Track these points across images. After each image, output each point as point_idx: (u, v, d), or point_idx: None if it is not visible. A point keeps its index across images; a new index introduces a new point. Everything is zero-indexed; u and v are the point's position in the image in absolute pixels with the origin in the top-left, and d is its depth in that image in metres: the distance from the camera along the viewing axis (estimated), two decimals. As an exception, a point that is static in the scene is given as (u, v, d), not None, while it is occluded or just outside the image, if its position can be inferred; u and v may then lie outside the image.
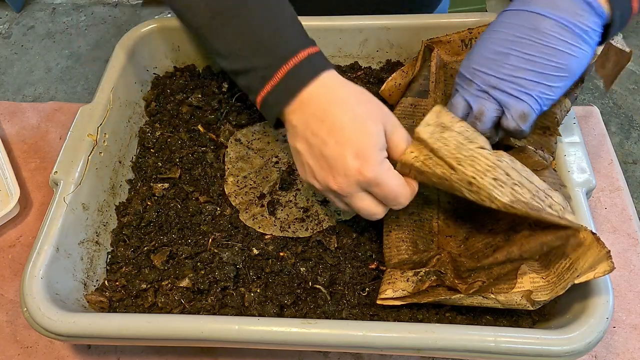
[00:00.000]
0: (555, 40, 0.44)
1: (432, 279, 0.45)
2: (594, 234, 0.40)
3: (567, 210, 0.42)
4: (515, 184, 0.42)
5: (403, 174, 0.45)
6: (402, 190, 0.43)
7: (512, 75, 0.45)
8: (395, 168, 0.44)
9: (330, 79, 0.45)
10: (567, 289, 0.40)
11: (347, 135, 0.42)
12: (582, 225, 0.41)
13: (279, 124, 0.48)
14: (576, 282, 0.39)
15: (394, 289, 0.45)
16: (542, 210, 0.41)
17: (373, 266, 0.49)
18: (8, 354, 0.50)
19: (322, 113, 0.43)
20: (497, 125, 0.48)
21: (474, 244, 0.48)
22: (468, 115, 0.48)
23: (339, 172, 0.42)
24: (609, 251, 0.39)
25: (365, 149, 0.42)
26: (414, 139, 0.44)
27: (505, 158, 0.42)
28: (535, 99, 0.45)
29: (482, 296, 0.43)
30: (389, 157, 0.44)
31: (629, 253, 0.53)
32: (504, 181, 0.41)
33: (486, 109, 0.46)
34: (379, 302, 0.46)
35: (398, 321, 0.45)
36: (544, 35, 0.44)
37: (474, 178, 0.41)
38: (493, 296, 0.43)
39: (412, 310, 0.46)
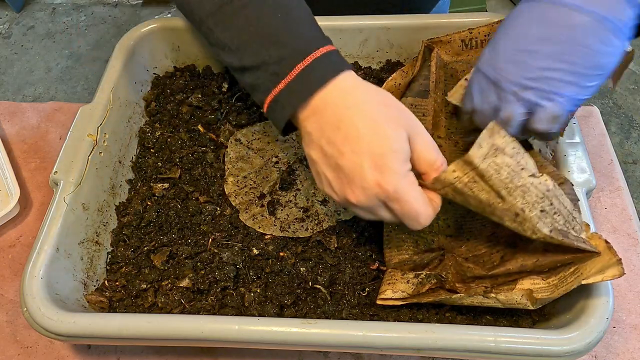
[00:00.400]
0: (590, 37, 0.40)
1: (433, 282, 0.45)
2: (607, 242, 0.40)
3: (582, 228, 0.41)
4: (555, 212, 0.40)
5: (432, 189, 0.41)
6: (423, 209, 0.39)
7: (543, 75, 0.41)
8: (422, 181, 0.41)
9: (348, 80, 0.41)
10: (570, 290, 0.40)
11: (365, 144, 0.38)
12: (598, 250, 0.40)
13: (288, 129, 0.45)
14: (583, 282, 0.39)
15: (394, 290, 0.45)
16: (568, 234, 0.40)
17: (374, 267, 0.49)
18: (8, 354, 0.50)
19: (338, 119, 0.40)
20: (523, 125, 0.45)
21: (477, 246, 0.48)
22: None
23: (356, 184, 0.39)
24: (620, 259, 0.39)
25: (385, 158, 0.38)
26: (461, 159, 0.39)
27: (550, 184, 0.40)
28: (568, 100, 0.41)
29: (483, 295, 0.43)
30: (414, 169, 0.41)
31: (629, 253, 0.53)
32: (547, 211, 0.40)
33: (515, 113, 0.42)
34: (379, 302, 0.45)
35: (398, 321, 0.45)
36: (578, 32, 0.40)
37: (523, 211, 0.39)
38: (493, 295, 0.43)
39: (412, 310, 0.46)
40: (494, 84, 0.43)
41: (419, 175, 0.41)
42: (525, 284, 0.43)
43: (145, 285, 0.49)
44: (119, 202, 0.55)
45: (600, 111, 0.65)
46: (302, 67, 0.41)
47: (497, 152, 0.39)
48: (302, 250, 0.50)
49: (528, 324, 0.45)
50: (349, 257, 0.50)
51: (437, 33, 0.59)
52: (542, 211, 0.39)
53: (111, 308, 0.48)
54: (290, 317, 0.46)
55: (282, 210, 0.54)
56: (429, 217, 0.40)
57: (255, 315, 0.46)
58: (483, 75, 0.44)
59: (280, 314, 0.46)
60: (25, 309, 0.42)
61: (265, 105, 0.44)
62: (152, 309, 0.48)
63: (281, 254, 0.50)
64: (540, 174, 0.40)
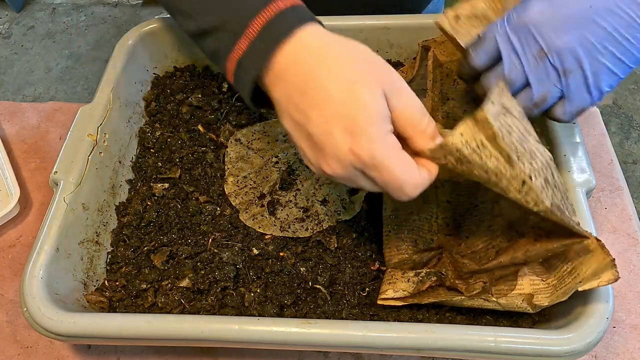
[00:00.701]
0: None
1: (433, 279, 0.45)
2: (598, 240, 0.40)
3: (574, 212, 0.40)
4: (555, 186, 0.38)
5: (432, 158, 0.37)
6: (408, 177, 0.34)
7: (601, 46, 0.36)
8: (417, 149, 0.35)
9: (314, 35, 0.36)
10: (569, 295, 0.40)
11: (334, 107, 0.34)
12: (590, 234, 0.40)
13: (260, 100, 0.39)
14: (580, 289, 0.39)
15: (395, 289, 0.45)
16: (564, 214, 0.38)
17: (374, 267, 0.49)
18: (8, 354, 0.50)
19: (304, 81, 0.35)
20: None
21: (475, 242, 0.48)
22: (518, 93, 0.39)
23: (328, 153, 0.34)
24: (614, 259, 0.38)
25: (358, 121, 0.33)
26: (470, 119, 0.35)
27: (549, 154, 0.37)
28: (611, 85, 0.37)
29: (483, 299, 0.43)
30: (397, 134, 0.36)
31: (629, 253, 0.53)
32: (549, 182, 0.37)
33: (551, 95, 0.38)
34: (379, 302, 0.46)
35: (398, 321, 0.45)
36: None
37: (530, 178, 0.35)
38: (494, 299, 0.43)
39: (412, 310, 0.46)
40: (539, 50, 0.37)
41: (404, 140, 0.36)
42: (525, 286, 0.44)
43: (145, 285, 0.49)
44: (119, 202, 0.55)
45: (600, 111, 0.65)
46: (264, 22, 0.36)
47: (506, 113, 0.35)
48: (302, 250, 0.50)
49: (528, 324, 0.45)
50: (349, 257, 0.50)
51: (437, 33, 0.59)
52: (545, 180, 0.37)
53: (111, 308, 0.48)
54: (290, 317, 0.46)
55: (282, 210, 0.54)
56: (416, 186, 0.35)
57: (255, 315, 0.46)
58: (525, 33, 0.37)
59: (280, 314, 0.46)
60: (25, 309, 0.42)
61: (230, 74, 0.39)
62: (152, 309, 0.48)
63: (281, 254, 0.50)
64: (540, 142, 0.37)
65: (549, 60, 0.37)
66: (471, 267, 0.46)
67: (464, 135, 0.35)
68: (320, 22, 0.38)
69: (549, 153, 0.37)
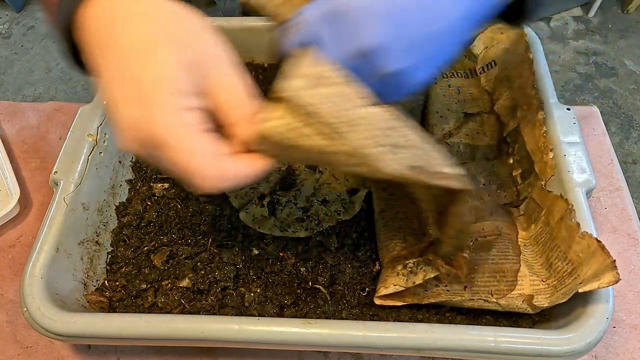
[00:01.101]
0: None
1: (425, 268, 0.44)
2: (599, 241, 0.40)
3: (446, 163, 0.36)
4: (398, 146, 0.34)
5: (260, 152, 0.33)
6: (198, 164, 0.28)
7: (416, 42, 0.32)
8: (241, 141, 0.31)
9: None
10: (569, 296, 0.40)
11: (125, 70, 0.28)
12: (466, 182, 0.36)
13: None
14: (580, 291, 0.39)
15: (386, 286, 0.45)
16: (424, 169, 0.35)
17: (376, 269, 0.49)
18: (8, 354, 0.50)
19: (101, 39, 0.30)
20: None
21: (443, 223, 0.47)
22: None
23: (117, 124, 0.29)
24: (614, 260, 0.38)
25: (147, 88, 0.28)
26: (272, 98, 0.31)
27: (386, 115, 0.33)
28: (426, 80, 0.34)
29: (484, 299, 0.43)
30: (219, 118, 0.31)
31: (629, 253, 0.53)
32: (400, 144, 0.34)
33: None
34: (376, 302, 0.45)
35: (398, 321, 0.45)
36: None
37: (356, 149, 0.32)
38: (494, 300, 0.43)
39: (412, 310, 0.46)
40: (352, 44, 0.32)
41: (228, 128, 0.31)
42: (525, 286, 0.44)
43: (145, 285, 0.49)
44: (119, 202, 0.55)
45: (600, 111, 0.65)
46: None
47: (319, 83, 0.32)
48: (302, 250, 0.50)
49: (528, 324, 0.45)
50: (349, 257, 0.50)
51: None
52: (393, 146, 0.33)
53: (111, 308, 0.48)
54: (290, 317, 0.46)
55: (282, 210, 0.54)
56: (212, 178, 0.29)
57: (255, 315, 0.46)
58: (338, 22, 0.32)
59: (280, 314, 0.46)
60: (25, 309, 0.42)
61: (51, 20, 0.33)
62: (152, 309, 0.48)
63: (281, 254, 0.50)
64: (372, 105, 0.33)
65: (362, 57, 0.32)
66: (446, 248, 0.43)
67: (284, 118, 0.31)
68: None
69: (386, 113, 0.33)
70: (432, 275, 0.44)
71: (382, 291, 0.45)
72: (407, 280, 0.44)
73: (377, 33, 0.31)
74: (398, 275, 0.45)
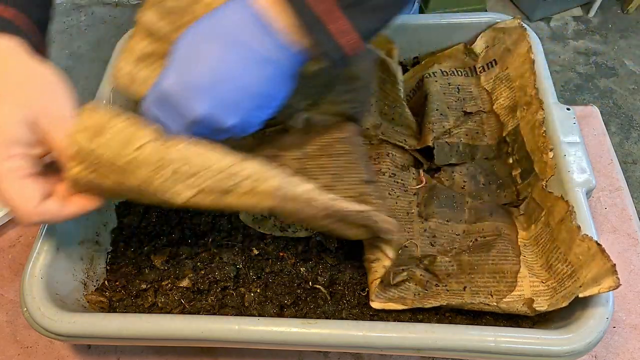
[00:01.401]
0: None
1: (406, 273, 0.46)
2: (599, 244, 0.40)
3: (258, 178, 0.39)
4: (187, 176, 0.37)
5: (85, 192, 0.39)
6: (19, 203, 0.36)
7: (237, 101, 0.38)
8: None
9: (5, 48, 0.37)
10: (570, 300, 0.40)
11: None
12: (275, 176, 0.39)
13: None
14: (580, 295, 0.39)
15: (373, 293, 0.45)
16: (227, 190, 0.38)
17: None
18: (8, 354, 0.50)
19: None
20: None
21: None
22: None
23: None
24: (614, 265, 0.38)
25: None
26: (71, 152, 0.37)
27: (158, 150, 0.37)
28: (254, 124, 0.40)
29: (484, 303, 0.43)
30: (62, 161, 0.38)
31: (629, 253, 0.53)
32: (170, 177, 0.37)
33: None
34: (375, 306, 0.45)
35: (398, 321, 0.45)
36: None
37: (142, 184, 0.37)
38: (494, 303, 0.43)
39: (412, 310, 0.46)
40: (183, 121, 0.38)
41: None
42: (525, 287, 0.44)
43: (145, 285, 0.49)
44: (119, 202, 0.55)
45: (600, 111, 0.65)
46: None
47: (100, 133, 0.37)
48: (302, 250, 0.50)
49: (528, 324, 0.45)
50: (349, 257, 0.50)
51: (437, 33, 0.59)
52: (165, 180, 0.37)
53: (111, 308, 0.48)
54: (290, 317, 0.46)
55: (282, 210, 0.54)
56: (36, 217, 0.37)
57: (255, 315, 0.46)
58: (166, 105, 0.38)
59: (280, 314, 0.46)
60: (25, 309, 0.42)
61: None
62: (152, 309, 0.48)
63: (281, 254, 0.50)
64: (149, 142, 0.37)
65: (195, 124, 0.38)
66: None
67: (76, 167, 0.37)
68: (25, 38, 0.39)
69: (159, 147, 0.37)
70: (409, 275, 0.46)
71: (373, 298, 0.45)
72: (385, 277, 0.45)
73: (199, 106, 0.37)
74: (381, 282, 0.45)
